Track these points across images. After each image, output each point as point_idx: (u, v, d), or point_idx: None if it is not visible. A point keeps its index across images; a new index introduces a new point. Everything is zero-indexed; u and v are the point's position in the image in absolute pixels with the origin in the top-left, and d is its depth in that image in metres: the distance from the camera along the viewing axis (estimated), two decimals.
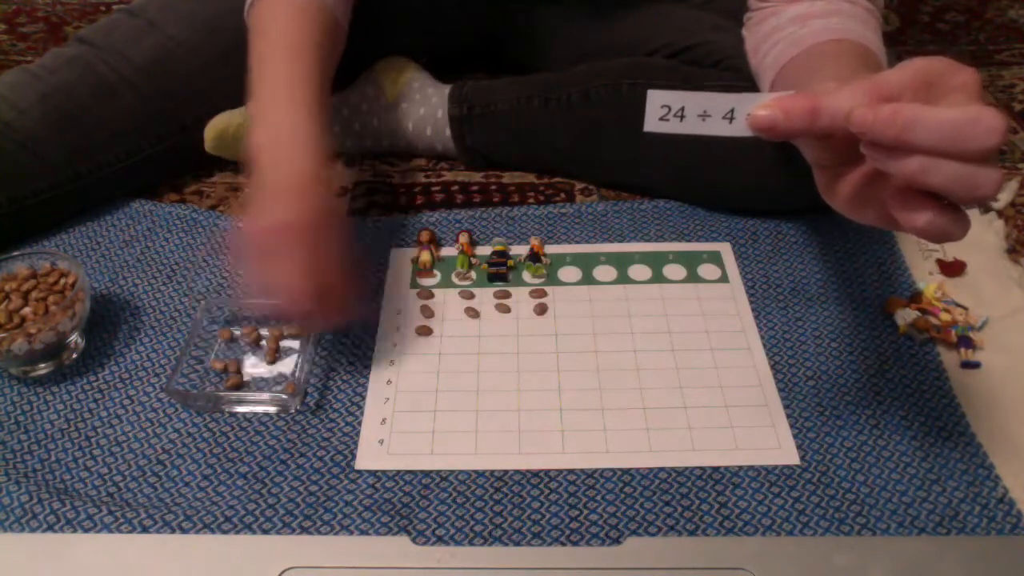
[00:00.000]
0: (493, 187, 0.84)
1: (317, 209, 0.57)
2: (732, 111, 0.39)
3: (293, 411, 0.60)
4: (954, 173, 0.35)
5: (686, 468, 0.56)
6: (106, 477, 0.56)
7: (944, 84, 0.37)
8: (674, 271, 0.71)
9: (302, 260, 0.55)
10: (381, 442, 0.58)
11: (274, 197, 0.57)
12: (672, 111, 0.40)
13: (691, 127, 0.40)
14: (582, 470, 0.56)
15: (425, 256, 0.72)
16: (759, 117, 0.38)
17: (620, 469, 0.56)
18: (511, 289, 0.70)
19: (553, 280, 0.71)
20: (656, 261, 0.72)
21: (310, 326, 0.63)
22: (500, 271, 0.71)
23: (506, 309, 0.68)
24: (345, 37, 0.72)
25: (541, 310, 0.68)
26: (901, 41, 1.12)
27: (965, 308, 0.66)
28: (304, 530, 0.53)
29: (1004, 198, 0.78)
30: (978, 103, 0.35)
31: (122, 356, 0.65)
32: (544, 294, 0.70)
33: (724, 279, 0.71)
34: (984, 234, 0.74)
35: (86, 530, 0.52)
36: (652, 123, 0.40)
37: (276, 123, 0.61)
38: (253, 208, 0.57)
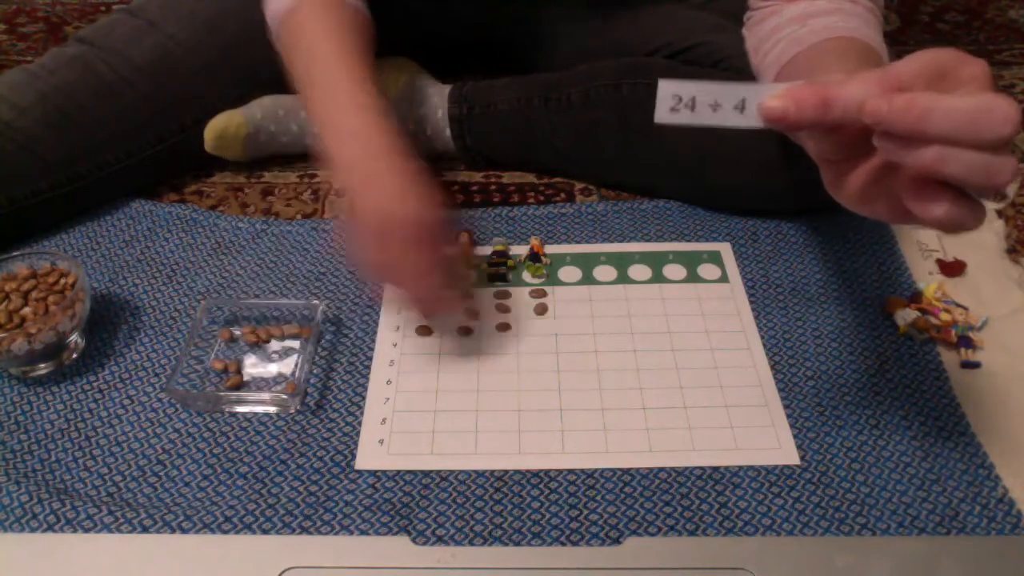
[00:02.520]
0: (493, 187, 0.84)
1: (433, 201, 0.58)
2: (743, 101, 0.39)
3: (293, 411, 0.60)
4: (971, 162, 0.34)
5: (686, 468, 0.56)
6: (106, 477, 0.56)
7: (955, 75, 0.36)
8: (674, 271, 0.71)
9: (428, 251, 0.57)
10: (381, 442, 0.58)
11: (390, 194, 0.57)
12: (683, 101, 0.39)
13: (702, 118, 0.39)
14: (582, 470, 0.56)
15: None
16: (771, 107, 0.38)
17: (620, 469, 0.56)
18: (511, 289, 0.70)
19: (553, 280, 0.71)
20: (656, 261, 0.72)
21: (431, 308, 0.65)
22: (500, 271, 0.71)
23: (506, 309, 0.68)
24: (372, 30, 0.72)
25: (541, 310, 0.68)
26: (901, 41, 1.11)
27: (965, 308, 0.66)
28: (304, 530, 0.53)
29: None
30: (991, 93, 0.35)
31: (122, 356, 0.65)
32: (544, 294, 0.70)
33: (724, 279, 0.71)
34: (984, 234, 0.74)
35: (86, 530, 0.52)
36: (663, 114, 0.40)
37: (356, 131, 0.61)
38: (364, 208, 0.57)
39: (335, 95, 0.62)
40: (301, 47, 0.66)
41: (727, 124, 0.39)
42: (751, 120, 0.39)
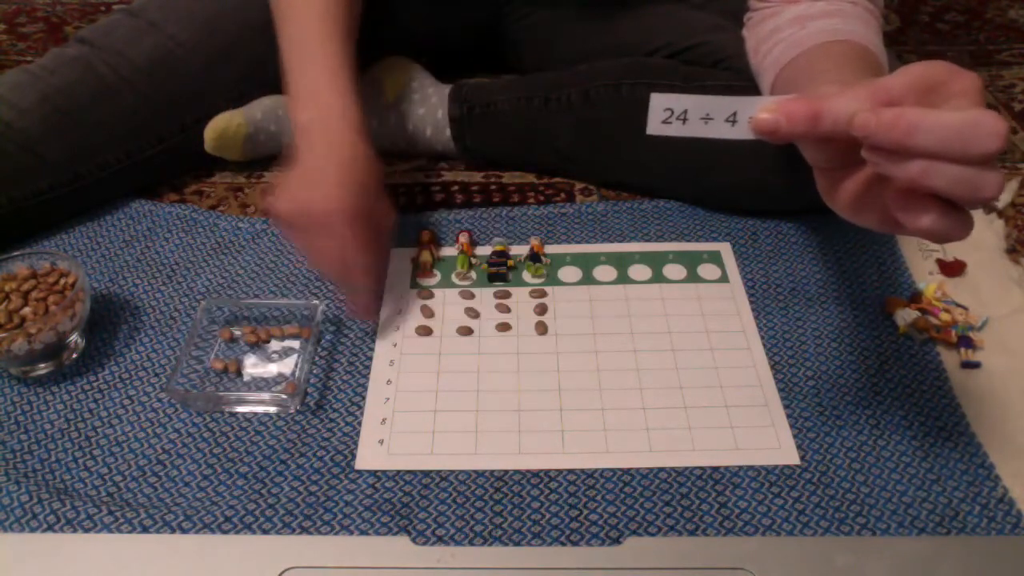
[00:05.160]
0: (493, 187, 0.84)
1: (375, 190, 0.61)
2: (735, 114, 0.40)
3: (293, 411, 0.60)
4: (956, 176, 0.35)
5: (686, 468, 0.56)
6: (106, 477, 0.56)
7: (945, 89, 0.37)
8: (674, 271, 0.71)
9: (356, 239, 0.60)
10: (381, 442, 0.58)
11: (330, 178, 0.60)
12: (675, 114, 0.40)
13: (693, 130, 0.40)
14: (582, 470, 0.56)
15: (425, 256, 0.72)
16: (761, 120, 0.39)
17: (620, 469, 0.56)
18: (511, 289, 0.70)
19: (553, 280, 0.71)
20: (656, 261, 0.72)
21: (356, 304, 0.65)
22: (500, 271, 0.71)
23: (506, 309, 0.68)
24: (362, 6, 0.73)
25: (541, 310, 0.68)
26: (901, 41, 1.12)
27: (965, 308, 0.66)
28: (304, 530, 0.53)
29: (1004, 198, 0.78)
30: (979, 107, 0.35)
31: (122, 356, 0.65)
32: (544, 294, 0.70)
33: (724, 279, 0.71)
34: (984, 234, 0.74)
35: (86, 530, 0.52)
36: (655, 126, 0.41)
37: (326, 104, 0.63)
38: (299, 187, 0.60)
39: (316, 69, 0.64)
40: (290, 14, 0.67)
41: (718, 136, 0.40)
42: (742, 133, 0.40)
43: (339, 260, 0.61)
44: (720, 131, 0.40)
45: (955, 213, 0.37)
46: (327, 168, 0.60)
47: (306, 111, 0.63)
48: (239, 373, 0.63)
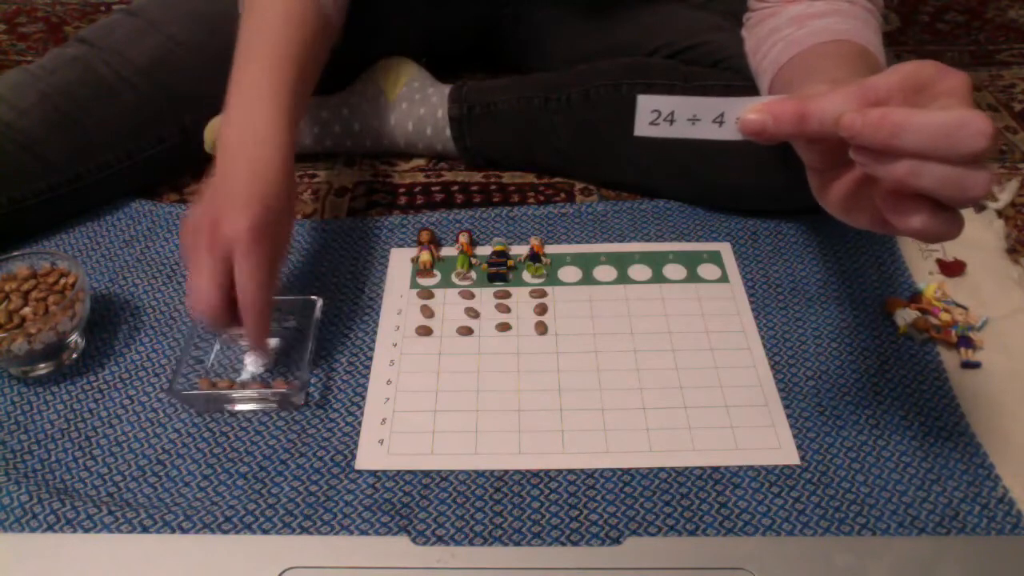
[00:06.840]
0: (493, 187, 0.84)
1: (260, 224, 0.55)
2: (722, 115, 0.40)
3: (295, 409, 0.60)
4: (943, 176, 0.35)
5: (686, 468, 0.56)
6: (106, 477, 0.56)
7: (933, 88, 0.37)
8: (674, 271, 0.71)
9: (217, 267, 0.55)
10: (381, 442, 0.58)
11: (223, 197, 0.57)
12: (662, 115, 0.40)
13: (681, 131, 0.41)
14: (582, 470, 0.56)
15: (425, 256, 0.72)
16: (748, 121, 0.39)
17: (620, 469, 0.56)
18: (511, 289, 0.70)
19: (553, 280, 0.71)
20: (656, 261, 0.72)
21: (216, 327, 0.59)
22: (500, 271, 0.71)
23: (506, 309, 0.68)
24: (335, 35, 0.71)
25: (541, 310, 0.68)
26: (901, 41, 1.12)
27: (965, 308, 0.66)
28: (304, 530, 0.53)
29: (1004, 198, 0.78)
30: (967, 107, 0.35)
31: (122, 356, 0.65)
32: (544, 294, 0.70)
33: (724, 279, 0.71)
34: (984, 234, 0.74)
35: (86, 530, 0.52)
36: (642, 128, 0.41)
37: (250, 125, 0.61)
38: (204, 201, 0.58)
39: (253, 86, 0.62)
40: (249, 25, 0.66)
41: (706, 137, 0.40)
42: (730, 133, 0.40)
43: (196, 285, 0.56)
44: (707, 132, 0.40)
45: (945, 213, 0.37)
46: (224, 192, 0.57)
47: (229, 127, 0.61)
48: (232, 383, 0.61)
